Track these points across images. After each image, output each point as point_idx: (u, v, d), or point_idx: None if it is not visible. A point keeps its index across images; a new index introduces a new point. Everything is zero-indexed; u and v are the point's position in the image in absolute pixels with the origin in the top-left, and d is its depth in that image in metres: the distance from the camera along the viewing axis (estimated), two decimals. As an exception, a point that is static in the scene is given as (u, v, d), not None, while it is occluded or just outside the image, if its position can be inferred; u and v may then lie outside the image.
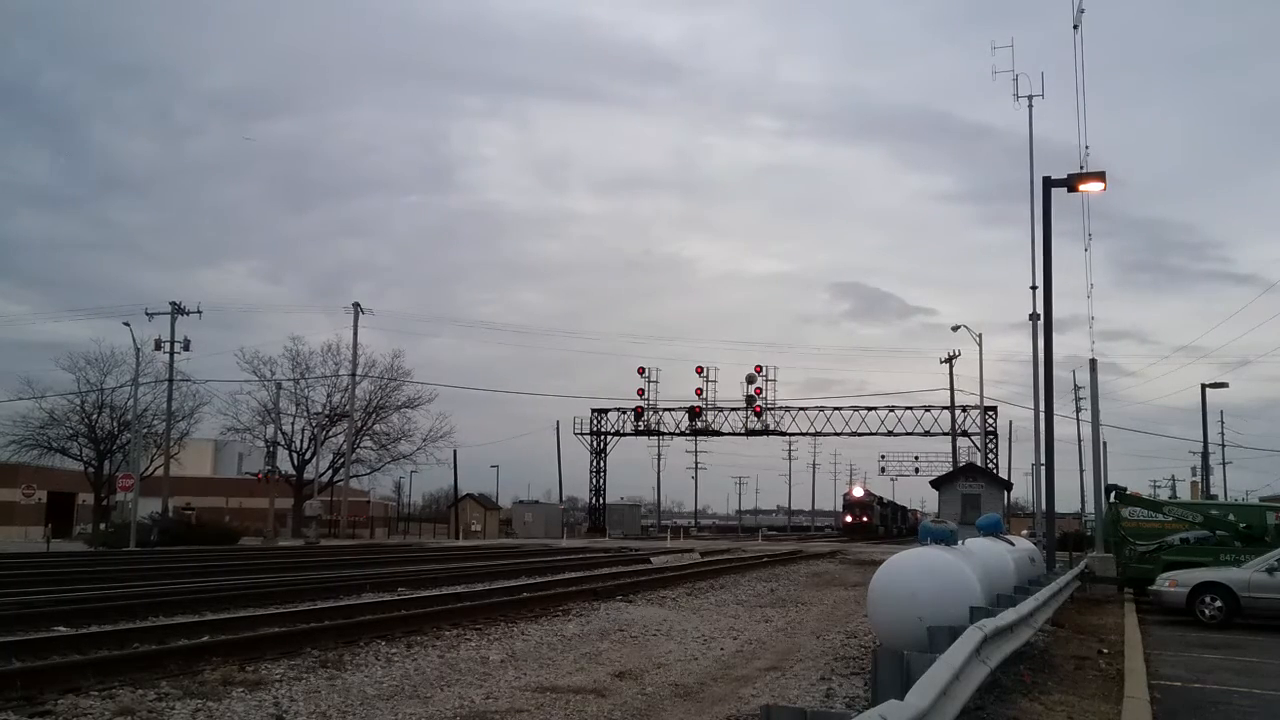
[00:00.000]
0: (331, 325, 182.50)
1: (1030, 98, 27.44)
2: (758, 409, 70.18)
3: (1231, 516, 23.28)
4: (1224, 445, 68.93)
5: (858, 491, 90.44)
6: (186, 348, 56.18)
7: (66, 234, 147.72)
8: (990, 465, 63.54)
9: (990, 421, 66.72)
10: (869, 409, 70.60)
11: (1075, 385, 60.48)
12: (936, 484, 44.06)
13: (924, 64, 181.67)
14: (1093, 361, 30.98)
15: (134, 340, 52.98)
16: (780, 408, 71.42)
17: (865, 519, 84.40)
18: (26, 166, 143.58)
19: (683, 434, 76.91)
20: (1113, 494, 25.84)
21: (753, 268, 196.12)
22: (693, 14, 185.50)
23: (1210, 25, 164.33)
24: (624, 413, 74.21)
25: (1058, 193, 24.57)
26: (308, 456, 67.01)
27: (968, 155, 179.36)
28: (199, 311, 55.66)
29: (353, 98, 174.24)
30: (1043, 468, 25.99)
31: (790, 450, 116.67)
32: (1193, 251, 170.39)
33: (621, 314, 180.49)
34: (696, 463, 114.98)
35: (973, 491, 40.85)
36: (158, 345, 55.71)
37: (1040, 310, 25.14)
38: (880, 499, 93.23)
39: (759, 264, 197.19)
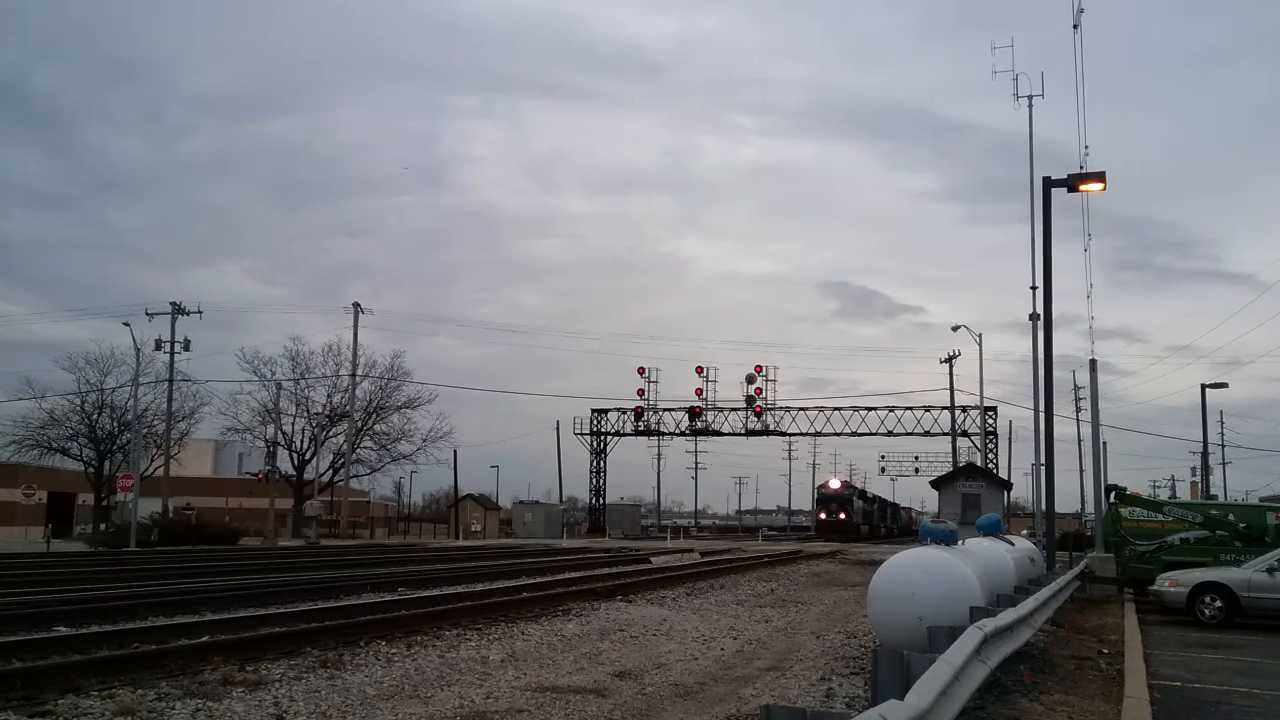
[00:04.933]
0: (329, 325, 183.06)
1: (1030, 97, 27.41)
2: (758, 409, 69.98)
3: (1231, 516, 23.29)
4: (1224, 445, 69.03)
5: (834, 483, 79.17)
6: (186, 348, 56.45)
7: (62, 234, 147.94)
8: (990, 465, 63.48)
9: (990, 421, 66.75)
10: (869, 409, 70.37)
11: (1075, 385, 60.61)
12: (936, 484, 44.03)
13: (911, 65, 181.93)
14: (1093, 362, 31.01)
15: (134, 340, 53.14)
16: (780, 408, 71.27)
17: (843, 516, 73.20)
18: (20, 167, 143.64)
19: (683, 434, 76.79)
20: (1113, 494, 25.85)
21: (747, 268, 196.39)
22: (683, 14, 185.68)
23: (1193, 27, 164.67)
24: (624, 413, 74.16)
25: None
26: (308, 456, 67.21)
27: (952, 153, 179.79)
28: (199, 312, 55.91)
29: (344, 97, 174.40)
30: (1043, 468, 25.98)
31: (790, 450, 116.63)
32: (1180, 250, 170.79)
33: (619, 314, 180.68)
34: (696, 463, 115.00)
35: (973, 491, 40.82)
36: (158, 345, 55.90)
37: (1040, 310, 25.12)
38: (864, 493, 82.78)
39: (753, 264, 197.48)
